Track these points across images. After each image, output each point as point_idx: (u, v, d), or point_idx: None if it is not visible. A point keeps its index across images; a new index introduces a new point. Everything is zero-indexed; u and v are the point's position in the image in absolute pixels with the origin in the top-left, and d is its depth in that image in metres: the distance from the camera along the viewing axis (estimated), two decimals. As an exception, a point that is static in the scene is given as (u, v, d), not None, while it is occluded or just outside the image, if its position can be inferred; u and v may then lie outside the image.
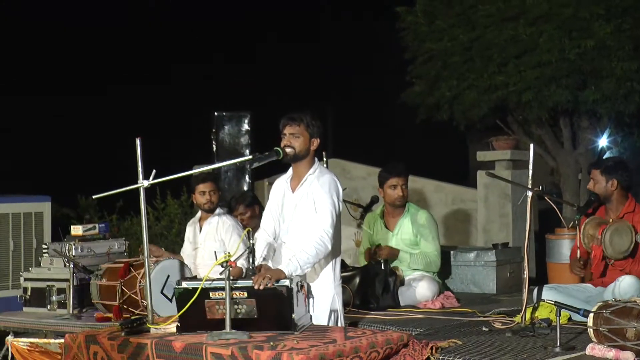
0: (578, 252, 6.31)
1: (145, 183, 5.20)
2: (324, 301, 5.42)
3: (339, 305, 5.50)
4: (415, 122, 11.37)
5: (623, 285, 5.89)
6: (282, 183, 5.61)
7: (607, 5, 9.48)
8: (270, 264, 5.33)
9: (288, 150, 5.39)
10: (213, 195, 7.22)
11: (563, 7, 9.61)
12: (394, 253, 7.24)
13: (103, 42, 17.50)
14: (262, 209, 7.54)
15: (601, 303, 4.95)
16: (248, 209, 7.74)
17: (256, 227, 7.12)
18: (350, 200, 8.58)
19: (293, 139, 5.40)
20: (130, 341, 4.84)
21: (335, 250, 5.46)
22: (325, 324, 5.36)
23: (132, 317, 5.47)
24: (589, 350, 4.79)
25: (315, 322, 5.27)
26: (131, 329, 4.99)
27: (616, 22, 9.41)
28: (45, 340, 6.07)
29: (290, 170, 5.59)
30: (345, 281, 6.72)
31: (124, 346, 4.84)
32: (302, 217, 5.41)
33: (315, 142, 5.46)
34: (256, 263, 5.11)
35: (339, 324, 5.47)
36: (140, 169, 5.21)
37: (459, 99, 10.51)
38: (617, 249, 6.05)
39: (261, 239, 5.50)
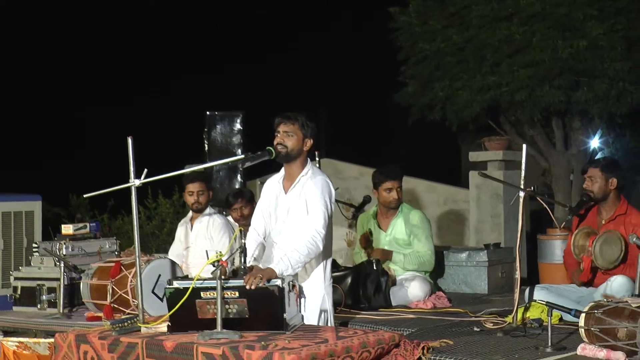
0: (581, 265, 6.25)
1: (137, 182, 5.18)
2: (314, 301, 5.41)
3: (329, 306, 5.50)
4: (408, 123, 11.38)
5: (614, 285, 5.90)
6: (274, 183, 5.59)
7: (600, 6, 9.50)
8: (260, 263, 5.33)
9: (280, 147, 5.37)
10: (200, 196, 7.22)
11: (556, 6, 9.63)
12: (386, 256, 7.23)
13: (91, 44, 17.49)
14: None
15: (593, 303, 4.95)
16: (249, 204, 7.73)
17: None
18: (343, 200, 8.57)
19: (286, 137, 5.38)
20: (121, 341, 4.81)
21: (327, 250, 5.45)
22: (315, 324, 5.36)
23: (123, 317, 5.45)
24: (580, 350, 4.79)
25: (305, 322, 5.27)
26: (122, 329, 4.98)
27: (609, 23, 9.43)
28: (35, 339, 6.03)
29: (283, 171, 5.57)
30: (337, 281, 6.72)
31: (115, 346, 4.82)
32: (295, 218, 5.40)
33: (309, 143, 5.45)
34: (248, 262, 5.10)
35: (329, 324, 5.46)
36: (131, 168, 5.19)
37: (451, 100, 10.52)
38: (607, 259, 6.04)
39: (251, 239, 5.49)
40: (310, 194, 5.35)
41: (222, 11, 18.68)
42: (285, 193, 5.48)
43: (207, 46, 18.44)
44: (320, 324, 5.37)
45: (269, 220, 5.56)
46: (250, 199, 7.79)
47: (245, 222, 7.54)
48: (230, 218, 7.96)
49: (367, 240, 7.26)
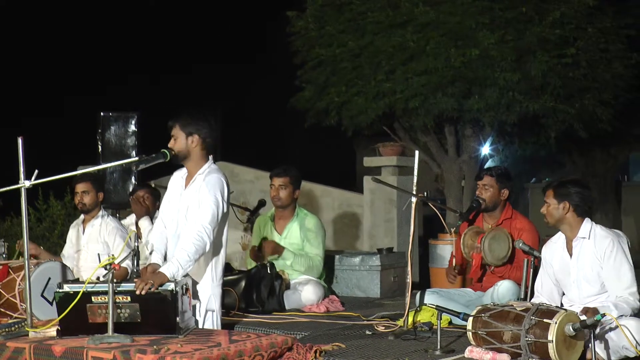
0: (454, 261, 6.43)
1: (27, 183, 5.06)
2: (201, 300, 5.45)
3: (216, 306, 5.51)
4: (304, 127, 11.44)
5: (501, 290, 6.07)
6: (178, 178, 5.66)
7: (491, 16, 9.72)
8: (158, 256, 5.29)
9: (172, 152, 5.48)
10: (85, 196, 7.09)
11: (449, 16, 9.81)
12: (278, 250, 7.25)
13: None
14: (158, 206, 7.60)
15: (480, 307, 5.08)
16: (152, 196, 7.68)
17: (152, 215, 7.42)
18: (238, 203, 8.56)
19: (173, 141, 5.50)
20: (7, 346, 4.71)
21: (216, 250, 5.47)
22: (200, 323, 5.37)
23: (10, 321, 5.32)
24: (468, 353, 4.92)
25: None
26: (9, 333, 4.86)
27: (500, 33, 9.65)
28: None
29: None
30: (231, 284, 6.71)
31: (0, 351, 4.70)
32: (192, 216, 5.41)
33: (193, 139, 5.49)
34: (147, 255, 5.11)
35: (215, 326, 5.46)
36: (21, 169, 5.07)
37: (347, 105, 10.61)
38: (495, 255, 6.21)
39: (157, 231, 5.54)
40: (202, 192, 5.39)
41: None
42: (184, 189, 5.52)
43: (104, 51, 18.22)
44: (206, 325, 5.38)
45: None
46: (154, 194, 7.74)
47: (145, 212, 7.54)
48: (128, 219, 7.90)
49: (256, 255, 7.29)
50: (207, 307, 5.46)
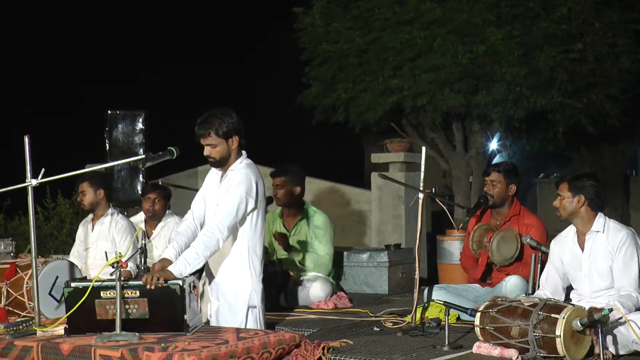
0: (480, 260, 6.37)
1: (34, 182, 5.06)
2: (241, 297, 5.33)
3: (258, 302, 5.38)
4: (312, 124, 11.43)
5: (509, 286, 6.05)
6: (214, 174, 5.54)
7: (498, 12, 9.71)
8: (173, 251, 5.21)
9: (211, 160, 5.36)
10: (82, 197, 7.11)
11: (456, 12, 9.80)
12: (287, 244, 7.28)
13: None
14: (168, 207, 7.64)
15: (488, 302, 5.07)
16: (163, 199, 7.68)
17: (160, 218, 7.58)
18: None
19: (211, 149, 5.34)
20: (15, 344, 4.70)
21: (252, 245, 5.37)
22: (243, 320, 5.30)
23: (18, 320, 5.33)
24: (476, 348, 4.91)
25: (231, 318, 5.25)
26: (17, 332, 4.87)
27: (506, 29, 9.64)
28: None
29: None
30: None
31: (8, 350, 4.70)
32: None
33: (234, 140, 5.36)
34: (165, 246, 5.06)
35: (259, 322, 5.38)
36: (28, 167, 5.07)
37: (354, 102, 10.61)
38: (503, 256, 6.19)
39: (185, 223, 5.44)
40: (229, 187, 5.31)
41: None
42: (219, 185, 5.44)
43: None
44: (248, 322, 5.31)
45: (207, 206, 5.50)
46: (167, 196, 7.74)
47: (153, 215, 7.56)
48: (136, 217, 7.92)
49: (280, 237, 7.31)
50: (249, 303, 5.33)
